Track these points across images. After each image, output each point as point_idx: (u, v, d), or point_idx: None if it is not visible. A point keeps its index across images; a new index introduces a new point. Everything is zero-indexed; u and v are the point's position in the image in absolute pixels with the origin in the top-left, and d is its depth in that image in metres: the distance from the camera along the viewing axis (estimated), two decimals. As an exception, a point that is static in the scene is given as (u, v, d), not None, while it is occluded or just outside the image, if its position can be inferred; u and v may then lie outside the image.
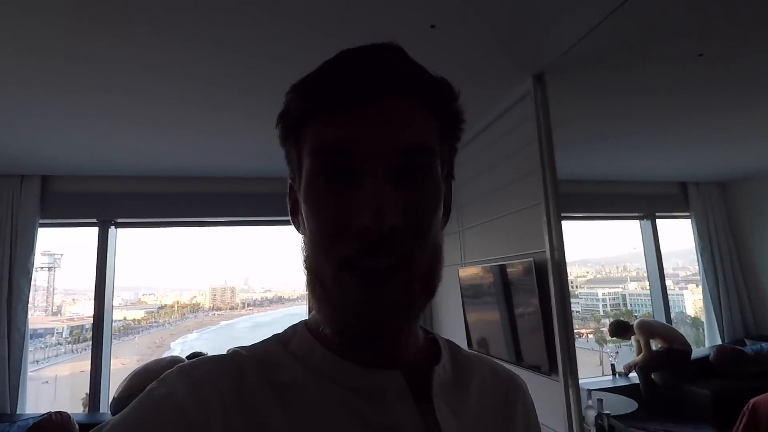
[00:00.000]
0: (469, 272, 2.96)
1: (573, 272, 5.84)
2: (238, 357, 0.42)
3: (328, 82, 0.39)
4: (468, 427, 0.44)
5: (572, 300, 2.15)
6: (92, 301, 3.53)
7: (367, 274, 0.37)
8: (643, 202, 4.80)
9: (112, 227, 3.67)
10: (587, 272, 6.19)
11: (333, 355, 0.42)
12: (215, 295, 12.95)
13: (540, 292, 2.17)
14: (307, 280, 0.42)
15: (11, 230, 3.29)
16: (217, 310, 12.14)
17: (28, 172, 3.38)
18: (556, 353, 2.05)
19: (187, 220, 3.89)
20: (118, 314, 4.56)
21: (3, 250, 3.25)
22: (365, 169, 0.37)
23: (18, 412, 3.16)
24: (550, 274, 2.11)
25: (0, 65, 1.89)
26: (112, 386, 3.42)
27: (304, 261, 0.42)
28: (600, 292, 5.82)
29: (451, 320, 3.52)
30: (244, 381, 0.39)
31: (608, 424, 2.08)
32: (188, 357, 3.32)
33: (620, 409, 2.90)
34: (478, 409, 0.47)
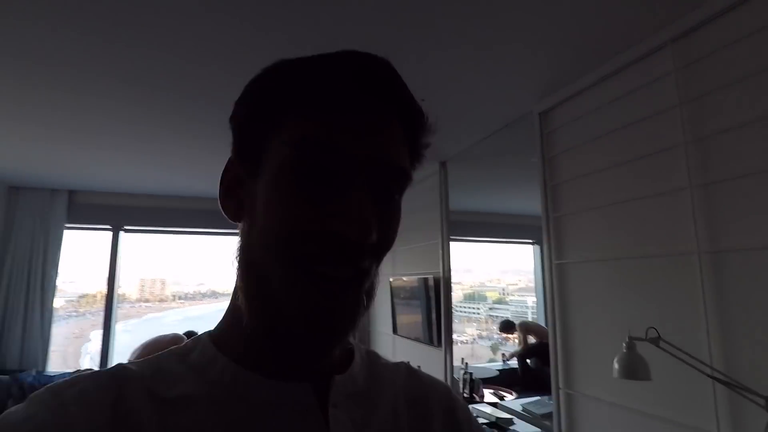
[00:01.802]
0: (399, 282, 4.26)
1: (504, 281, 7.04)
2: (121, 372, 0.38)
3: (333, 80, 0.37)
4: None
5: (504, 305, 3.46)
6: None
7: (326, 282, 0.35)
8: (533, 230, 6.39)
9: (121, 232, 4.68)
10: (519, 281, 7.35)
11: (237, 366, 0.38)
12: (143, 286, 13.26)
13: (436, 297, 3.52)
14: (242, 273, 0.38)
15: (44, 232, 4.21)
16: (144, 302, 12.51)
17: (58, 187, 4.31)
18: (441, 334, 3.41)
19: (174, 229, 4.96)
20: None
21: (37, 247, 4.17)
22: (350, 176, 0.36)
23: (47, 370, 4.10)
24: (441, 286, 3.46)
25: (37, 106, 2.51)
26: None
27: (243, 252, 0.39)
28: (529, 299, 7.14)
29: (382, 314, 4.85)
30: (122, 398, 0.35)
31: (470, 378, 3.47)
32: (185, 334, 4.38)
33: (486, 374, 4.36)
34: (389, 419, 0.44)
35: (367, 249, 0.36)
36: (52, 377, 3.82)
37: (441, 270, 3.48)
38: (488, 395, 3.69)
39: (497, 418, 2.48)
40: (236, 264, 0.40)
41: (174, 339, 4.29)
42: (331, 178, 0.36)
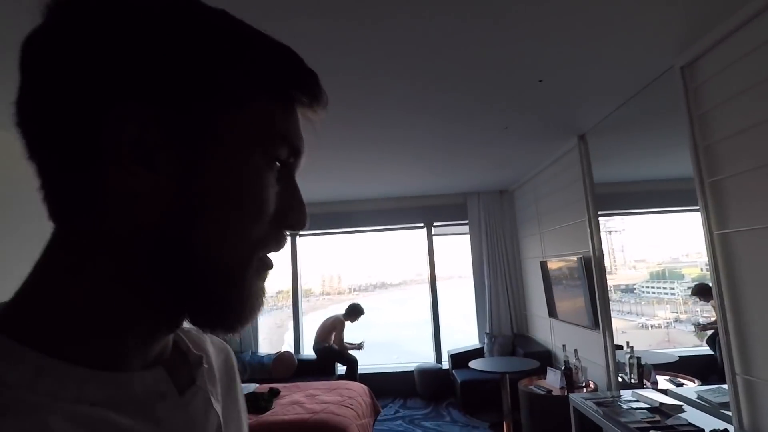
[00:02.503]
0: (556, 263, 4.13)
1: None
2: None
3: (308, 75, 0.36)
4: (222, 403, 0.41)
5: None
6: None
7: (267, 265, 0.36)
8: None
9: (298, 237, 5.60)
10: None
11: (81, 368, 0.29)
12: (324, 281, 15.07)
13: (588, 278, 3.36)
14: (167, 258, 0.31)
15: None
16: (326, 295, 14.17)
17: (249, 203, 5.36)
18: (598, 317, 3.24)
19: (341, 230, 5.67)
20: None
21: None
22: (293, 172, 0.37)
23: (258, 351, 5.17)
24: (593, 266, 3.29)
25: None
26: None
27: (188, 234, 0.31)
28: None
29: (536, 297, 4.77)
30: None
31: (638, 363, 3.22)
32: (348, 309, 5.04)
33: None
34: (221, 384, 0.43)
35: None
36: (261, 357, 4.80)
37: (591, 249, 3.30)
38: (663, 382, 3.37)
39: (660, 403, 2.30)
40: (134, 246, 0.31)
41: (335, 319, 4.94)
42: (284, 171, 0.36)
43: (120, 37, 0.30)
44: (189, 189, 0.31)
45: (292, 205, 0.36)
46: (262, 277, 0.36)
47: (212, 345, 0.47)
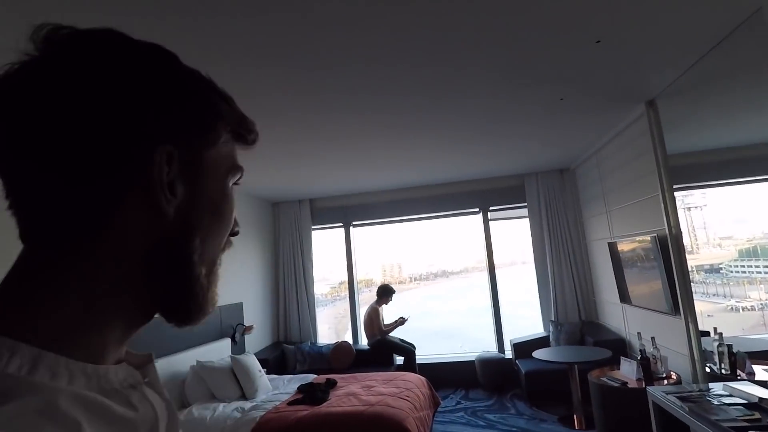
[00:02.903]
0: (626, 244, 3.78)
1: None
2: None
3: (252, 126, 0.46)
4: (165, 396, 0.44)
5: None
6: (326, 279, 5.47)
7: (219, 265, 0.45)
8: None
9: (351, 227, 5.57)
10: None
11: (64, 359, 0.32)
12: (385, 270, 15.21)
13: (665, 258, 3.02)
14: (155, 266, 0.38)
15: (298, 234, 5.37)
16: (388, 284, 14.31)
17: (302, 197, 5.43)
18: (678, 301, 2.91)
19: (395, 219, 5.57)
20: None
21: (295, 246, 5.37)
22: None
23: (317, 342, 5.25)
24: (669, 245, 2.95)
25: (294, 144, 3.57)
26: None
27: (189, 244, 0.39)
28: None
29: (605, 282, 4.42)
30: None
31: (728, 351, 2.86)
32: (398, 322, 4.96)
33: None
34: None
35: None
36: (321, 347, 4.86)
37: (666, 226, 2.97)
38: (761, 373, 2.97)
39: (760, 398, 2.00)
40: (139, 256, 0.37)
41: (370, 312, 4.89)
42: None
43: (145, 87, 0.37)
44: (187, 210, 0.39)
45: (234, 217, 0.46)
46: (217, 273, 0.45)
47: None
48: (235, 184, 0.46)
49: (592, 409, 3.20)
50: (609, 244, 3.99)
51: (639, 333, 3.26)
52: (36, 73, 0.34)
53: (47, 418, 0.29)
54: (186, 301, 0.40)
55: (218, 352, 3.85)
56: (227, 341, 4.13)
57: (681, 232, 2.94)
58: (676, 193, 2.97)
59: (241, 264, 4.74)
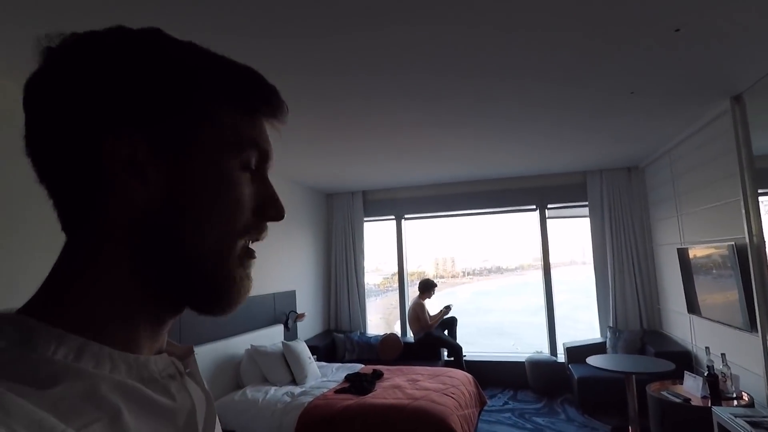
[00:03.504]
0: (698, 251, 3.50)
1: None
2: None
3: (268, 89, 0.42)
4: (204, 387, 0.46)
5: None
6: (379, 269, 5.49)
7: (250, 254, 0.42)
8: None
9: (403, 220, 5.57)
10: None
11: (108, 348, 0.35)
12: (438, 264, 15.04)
13: (742, 269, 2.77)
14: (167, 263, 0.38)
15: (350, 225, 5.46)
16: (440, 278, 14.15)
17: (355, 189, 5.50)
18: (756, 316, 2.66)
19: (446, 213, 5.52)
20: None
21: (348, 237, 5.46)
22: (266, 172, 0.43)
23: (366, 332, 5.33)
24: (750, 255, 2.70)
25: (335, 141, 3.59)
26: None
27: (167, 242, 0.37)
28: None
29: (671, 289, 4.13)
30: (12, 419, 0.27)
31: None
32: (443, 310, 4.92)
33: None
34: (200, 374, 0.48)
35: None
36: (369, 337, 4.94)
37: (747, 234, 2.71)
38: None
39: None
40: (135, 243, 0.37)
41: (414, 307, 4.85)
42: (256, 175, 0.42)
43: (105, 75, 0.36)
44: (174, 193, 0.37)
45: (268, 200, 0.42)
46: (246, 264, 0.42)
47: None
48: (258, 165, 0.42)
49: (649, 424, 3.01)
50: (679, 250, 3.71)
51: (708, 348, 3.01)
52: (33, 77, 0.37)
53: (89, 402, 0.31)
54: (193, 289, 0.39)
55: (271, 337, 4.02)
56: (280, 327, 4.29)
57: (764, 242, 2.67)
58: (760, 198, 2.70)
59: (295, 253, 4.89)
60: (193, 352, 0.47)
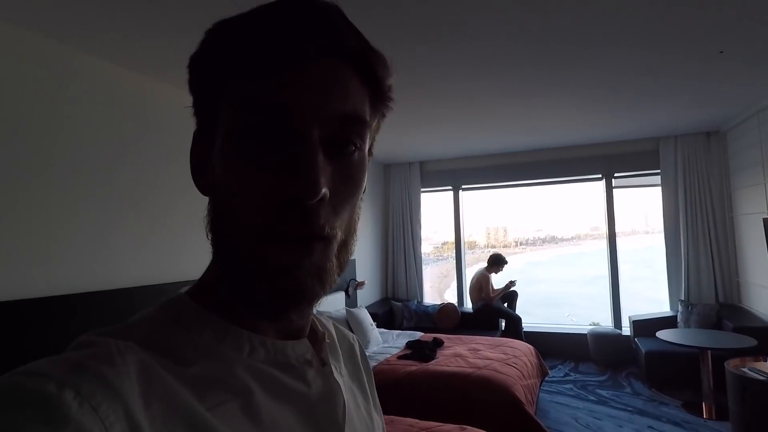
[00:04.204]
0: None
1: None
2: (128, 353, 0.30)
3: (272, 30, 0.34)
4: (347, 382, 0.46)
5: None
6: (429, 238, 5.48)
7: (289, 241, 0.34)
8: None
9: (461, 191, 5.53)
10: None
11: (248, 332, 0.37)
12: (489, 234, 14.80)
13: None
14: (215, 247, 0.37)
15: (408, 195, 5.49)
16: (491, 247, 13.96)
17: (413, 160, 5.49)
18: None
19: (505, 183, 5.40)
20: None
21: (405, 208, 5.51)
22: (300, 133, 0.34)
23: (423, 300, 5.43)
24: None
25: (400, 110, 3.55)
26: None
27: (212, 224, 0.37)
28: None
29: (754, 261, 3.86)
30: (152, 388, 0.30)
31: None
32: (507, 285, 4.87)
33: None
34: (347, 364, 0.50)
35: (318, 206, 0.34)
36: (426, 306, 5.02)
37: None
38: None
39: None
40: (209, 237, 0.38)
41: (479, 278, 4.81)
42: (278, 138, 0.34)
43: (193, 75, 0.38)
44: (214, 184, 0.38)
45: (286, 173, 0.33)
46: (279, 251, 0.34)
47: (336, 329, 0.53)
48: (284, 123, 0.34)
49: (727, 401, 2.89)
50: (765, 219, 3.43)
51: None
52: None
53: (224, 383, 0.34)
54: (231, 278, 0.36)
55: (334, 303, 4.18)
56: (341, 294, 4.46)
57: None
58: None
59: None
60: (326, 338, 0.46)
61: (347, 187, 0.37)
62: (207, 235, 0.38)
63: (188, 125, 0.41)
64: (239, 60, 0.34)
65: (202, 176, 0.39)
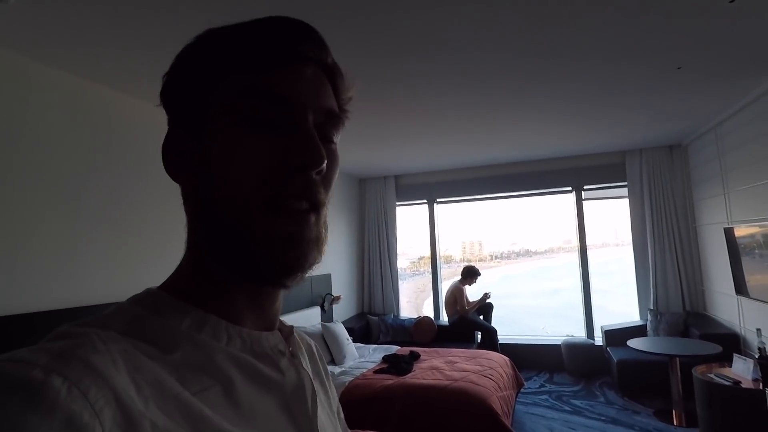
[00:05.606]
0: (746, 230, 3.37)
1: None
2: (110, 341, 0.30)
3: (269, 34, 0.39)
4: (313, 375, 0.46)
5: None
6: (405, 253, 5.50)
7: (292, 213, 0.37)
8: None
9: (435, 204, 5.58)
10: None
11: (225, 322, 0.38)
12: (465, 248, 14.96)
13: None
14: (206, 228, 0.39)
15: (383, 209, 5.49)
16: (466, 261, 14.11)
17: (388, 174, 5.51)
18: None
19: (479, 197, 5.47)
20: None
21: (381, 222, 5.50)
22: (301, 115, 0.38)
23: (400, 315, 5.39)
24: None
25: (371, 128, 3.58)
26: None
27: (202, 208, 0.39)
28: None
29: (717, 270, 4.00)
30: (139, 374, 0.30)
31: None
32: (482, 297, 4.89)
33: None
34: (310, 361, 0.52)
35: (318, 181, 0.39)
36: (403, 320, 4.99)
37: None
38: None
39: None
40: (194, 222, 0.41)
41: (453, 290, 4.84)
42: (276, 126, 0.38)
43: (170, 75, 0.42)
44: (201, 165, 0.39)
45: (293, 146, 0.38)
46: (280, 217, 0.37)
47: (296, 334, 0.53)
48: (284, 113, 0.38)
49: (696, 407, 2.96)
50: (725, 229, 3.57)
51: (759, 330, 2.92)
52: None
53: (205, 370, 0.35)
54: (228, 250, 0.38)
55: (309, 318, 4.12)
56: (317, 309, 4.39)
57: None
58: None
59: (330, 238, 4.95)
60: (293, 332, 0.49)
61: (330, 169, 0.41)
62: (186, 226, 0.41)
63: (156, 138, 0.42)
64: (241, 56, 0.39)
65: (183, 165, 0.40)
